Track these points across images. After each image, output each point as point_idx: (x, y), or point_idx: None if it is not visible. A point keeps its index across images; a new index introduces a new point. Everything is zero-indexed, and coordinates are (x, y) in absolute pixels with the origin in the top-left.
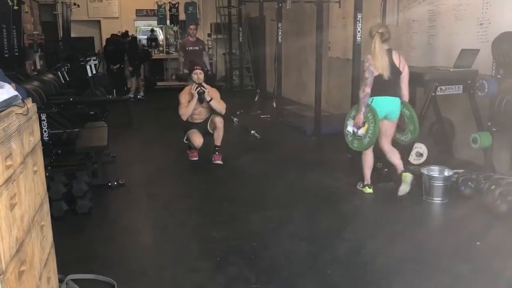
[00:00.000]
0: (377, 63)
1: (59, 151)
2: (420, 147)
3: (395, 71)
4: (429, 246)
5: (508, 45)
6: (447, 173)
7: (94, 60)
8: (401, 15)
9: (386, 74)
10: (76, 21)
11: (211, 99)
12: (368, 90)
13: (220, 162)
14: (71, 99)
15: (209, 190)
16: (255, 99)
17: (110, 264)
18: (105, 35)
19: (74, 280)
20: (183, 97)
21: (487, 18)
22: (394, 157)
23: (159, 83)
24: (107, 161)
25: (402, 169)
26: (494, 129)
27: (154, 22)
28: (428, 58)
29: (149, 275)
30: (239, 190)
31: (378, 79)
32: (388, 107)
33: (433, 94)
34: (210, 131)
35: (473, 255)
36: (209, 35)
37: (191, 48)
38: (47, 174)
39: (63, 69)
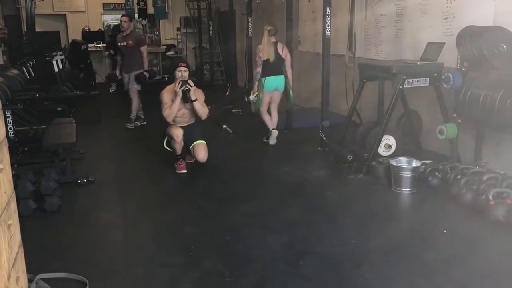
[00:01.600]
0: (264, 51)
1: (26, 149)
2: (389, 139)
3: (279, 57)
4: (398, 235)
5: (472, 38)
6: (414, 164)
7: (60, 55)
8: (370, 9)
9: (272, 59)
10: (41, 15)
11: (195, 100)
12: (259, 69)
13: (192, 161)
14: (37, 95)
15: (181, 185)
16: (226, 94)
17: (81, 262)
18: (72, 29)
19: (44, 280)
20: (166, 95)
21: (452, 12)
22: (275, 119)
23: None
24: (76, 158)
25: (274, 127)
26: (460, 121)
27: None
28: (395, 51)
29: (121, 272)
30: (211, 185)
31: (266, 62)
32: (276, 83)
33: (400, 87)
34: (190, 149)
35: (440, 243)
36: (178, 29)
37: (120, 44)
38: (13, 172)
39: (28, 64)
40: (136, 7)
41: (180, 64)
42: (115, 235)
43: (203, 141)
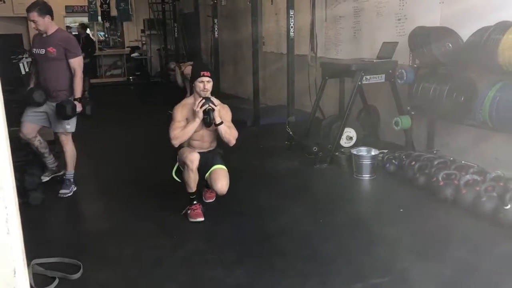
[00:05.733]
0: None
1: None
2: (350, 132)
3: None
4: (360, 215)
5: (422, 38)
6: (373, 152)
7: (26, 57)
8: (329, 11)
9: None
10: (1, 18)
11: (221, 123)
12: None
13: (212, 200)
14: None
15: (157, 176)
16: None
17: (71, 248)
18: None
19: (39, 264)
20: (180, 112)
21: (404, 14)
22: None
23: (92, 80)
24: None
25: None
26: (413, 113)
27: (85, 19)
28: (354, 50)
29: (110, 254)
30: None
31: None
32: None
33: (359, 83)
34: (205, 179)
35: (397, 220)
36: (142, 31)
37: (38, 50)
38: None
39: None
40: (99, 9)
41: (202, 72)
42: (100, 224)
43: (223, 166)
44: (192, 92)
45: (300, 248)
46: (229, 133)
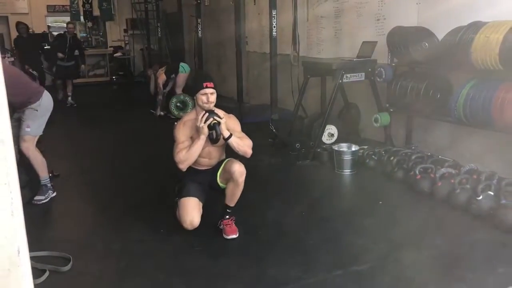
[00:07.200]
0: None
1: None
2: (331, 129)
3: None
4: (342, 208)
5: (400, 37)
6: (354, 148)
7: (9, 57)
8: (311, 12)
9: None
10: None
11: (230, 136)
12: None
13: (234, 236)
14: None
15: (142, 173)
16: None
17: (60, 243)
18: (15, 32)
19: (29, 258)
20: (182, 131)
21: (383, 14)
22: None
23: (75, 81)
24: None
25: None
26: (392, 110)
27: (67, 18)
28: (334, 50)
29: (100, 247)
30: (174, 174)
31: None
32: None
33: (340, 81)
34: (221, 185)
35: (376, 212)
36: (125, 30)
37: None
38: None
39: None
40: (81, 9)
41: (205, 83)
42: (88, 219)
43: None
44: (193, 102)
45: (284, 240)
46: (243, 144)
